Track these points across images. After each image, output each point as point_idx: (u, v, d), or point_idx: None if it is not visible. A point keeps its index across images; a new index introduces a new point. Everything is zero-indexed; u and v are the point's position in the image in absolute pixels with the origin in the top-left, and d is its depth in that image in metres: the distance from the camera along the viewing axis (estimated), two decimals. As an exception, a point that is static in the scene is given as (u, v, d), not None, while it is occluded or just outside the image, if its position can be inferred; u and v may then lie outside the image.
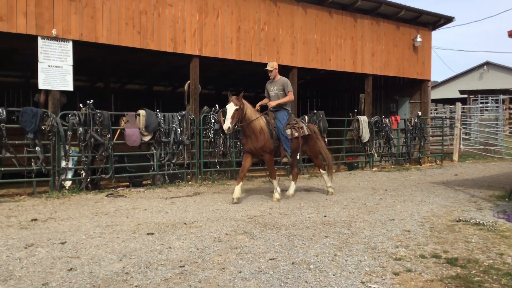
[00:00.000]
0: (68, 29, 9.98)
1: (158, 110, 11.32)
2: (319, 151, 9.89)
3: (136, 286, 4.23)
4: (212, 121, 11.83)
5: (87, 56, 14.01)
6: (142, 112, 10.87)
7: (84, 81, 18.46)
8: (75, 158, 10.07)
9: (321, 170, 9.91)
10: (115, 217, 7.39)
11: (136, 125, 10.78)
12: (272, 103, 9.01)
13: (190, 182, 11.60)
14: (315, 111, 14.56)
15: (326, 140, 13.66)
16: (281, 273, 4.58)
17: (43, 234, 6.15)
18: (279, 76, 9.24)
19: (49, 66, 9.79)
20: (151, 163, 11.15)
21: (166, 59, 15.23)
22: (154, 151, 11.12)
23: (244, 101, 8.48)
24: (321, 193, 10.04)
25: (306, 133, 9.33)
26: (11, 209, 7.97)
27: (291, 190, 9.53)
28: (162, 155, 11.17)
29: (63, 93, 10.20)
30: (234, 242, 5.74)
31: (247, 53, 12.92)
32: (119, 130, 10.81)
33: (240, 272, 4.60)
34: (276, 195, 8.91)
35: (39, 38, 9.67)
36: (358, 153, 15.74)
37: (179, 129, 11.33)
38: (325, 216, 7.41)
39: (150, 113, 10.96)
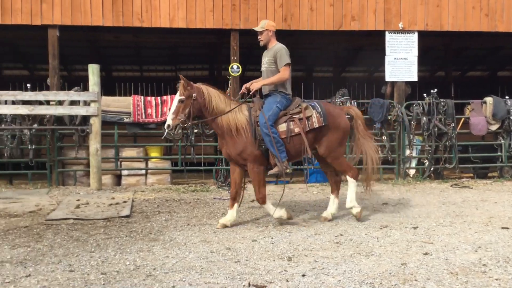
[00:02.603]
0: (413, 21, 10.22)
1: (507, 97, 10.44)
2: (361, 150, 6.44)
3: (496, 279, 4.05)
4: None
5: (428, 46, 14.02)
6: (489, 99, 10.26)
7: (424, 71, 18.53)
8: (419, 147, 10.31)
9: (349, 177, 6.33)
10: (463, 207, 7.23)
11: (482, 114, 10.23)
12: (254, 85, 6.21)
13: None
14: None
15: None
16: None
17: (394, 218, 6.55)
18: (274, 42, 6.28)
19: (395, 58, 10.26)
20: (499, 154, 10.39)
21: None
22: (503, 141, 10.31)
23: (204, 87, 6.03)
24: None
25: (316, 125, 6.10)
26: (362, 192, 8.75)
27: (330, 209, 6.43)
28: (512, 145, 10.28)
29: (408, 83, 10.56)
30: None
31: None
32: (463, 119, 10.48)
33: None
34: (279, 212, 6.05)
35: (386, 33, 10.23)
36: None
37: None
38: None
39: (498, 100, 10.22)
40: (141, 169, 9.87)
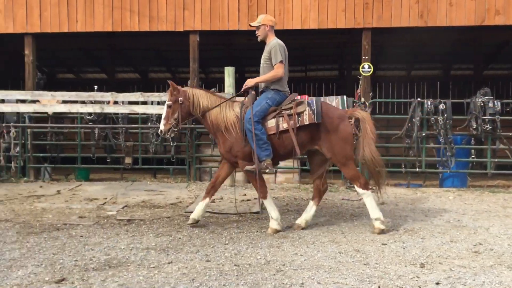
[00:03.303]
0: None
1: None
2: (363, 153, 5.86)
3: None
4: None
5: None
6: None
7: None
8: None
9: (357, 187, 5.83)
10: None
11: None
12: (248, 82, 6.00)
13: None
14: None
15: None
16: None
17: (544, 229, 5.94)
18: (272, 38, 5.98)
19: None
20: None
21: None
22: None
23: (190, 90, 6.00)
24: None
25: (306, 122, 5.70)
26: (505, 200, 8.07)
27: (304, 216, 6.00)
28: None
29: None
30: None
31: None
32: None
33: None
34: (273, 224, 5.79)
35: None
36: None
37: None
38: None
39: None
40: (270, 167, 10.15)
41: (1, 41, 13.88)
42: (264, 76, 5.95)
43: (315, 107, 5.74)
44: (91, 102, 9.49)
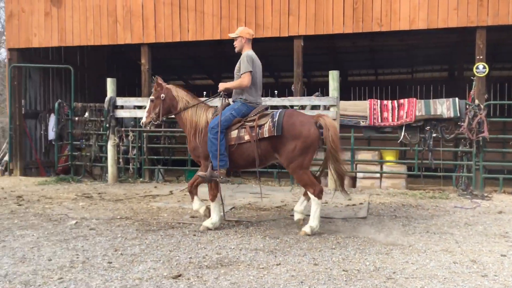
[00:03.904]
0: None
1: None
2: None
3: None
4: None
5: None
6: None
7: None
8: None
9: (310, 193, 5.82)
10: None
11: None
12: (220, 85, 6.25)
13: None
14: None
15: None
16: None
17: None
18: (246, 49, 6.17)
19: None
20: None
21: None
22: None
23: (174, 88, 6.35)
24: None
25: (266, 134, 5.78)
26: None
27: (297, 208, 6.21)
28: None
29: None
30: None
31: None
32: None
33: None
34: (208, 222, 6.10)
35: None
36: None
37: None
38: None
39: None
40: (376, 172, 9.94)
41: (119, 51, 15.09)
42: (231, 83, 6.20)
43: (276, 119, 5.78)
44: (201, 108, 9.94)
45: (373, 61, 15.95)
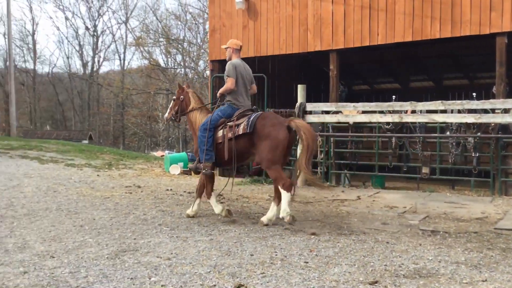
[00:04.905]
0: None
1: None
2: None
3: None
4: None
5: None
6: None
7: None
8: None
9: (280, 187, 6.20)
10: None
11: None
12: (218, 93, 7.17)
13: None
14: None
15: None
16: None
17: None
18: (235, 57, 7.00)
19: None
20: None
21: None
22: None
23: (191, 92, 7.33)
24: None
25: (241, 132, 6.42)
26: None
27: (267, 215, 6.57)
28: None
29: None
30: None
31: None
32: None
33: None
34: (189, 211, 7.05)
35: None
36: None
37: None
38: None
39: None
40: None
41: (306, 59, 15.59)
42: (221, 88, 6.98)
43: (251, 118, 6.41)
44: (389, 112, 9.71)
45: None
